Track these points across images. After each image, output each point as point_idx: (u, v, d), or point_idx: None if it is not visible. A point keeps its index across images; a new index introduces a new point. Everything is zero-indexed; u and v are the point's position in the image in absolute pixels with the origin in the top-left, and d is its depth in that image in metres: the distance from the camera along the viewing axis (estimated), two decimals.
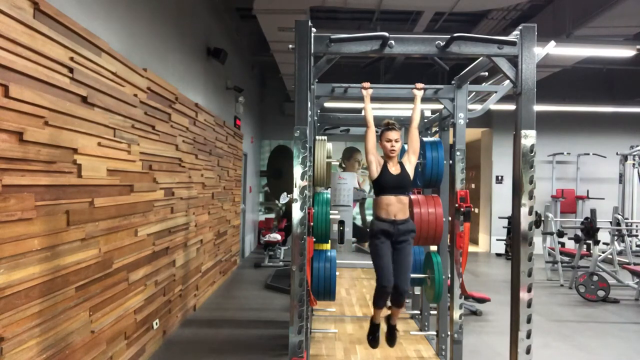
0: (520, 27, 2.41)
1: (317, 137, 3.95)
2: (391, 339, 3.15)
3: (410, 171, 2.98)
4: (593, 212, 6.58)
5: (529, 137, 2.37)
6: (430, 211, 3.43)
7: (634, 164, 9.34)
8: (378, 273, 2.91)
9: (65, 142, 2.60)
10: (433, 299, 3.56)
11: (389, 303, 3.01)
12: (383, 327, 3.14)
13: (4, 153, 2.12)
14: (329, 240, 3.72)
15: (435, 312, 3.90)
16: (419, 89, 3.09)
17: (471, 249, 10.59)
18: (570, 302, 6.05)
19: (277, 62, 7.83)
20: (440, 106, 3.59)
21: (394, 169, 2.96)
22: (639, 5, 5.23)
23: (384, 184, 2.93)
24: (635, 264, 6.55)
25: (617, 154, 9.71)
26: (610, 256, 7.08)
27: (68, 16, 2.61)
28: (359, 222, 10.97)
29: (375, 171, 2.94)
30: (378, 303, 2.98)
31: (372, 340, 3.16)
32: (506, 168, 10.34)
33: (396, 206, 2.91)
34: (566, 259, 7.52)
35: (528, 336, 2.34)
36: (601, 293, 6.00)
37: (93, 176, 2.89)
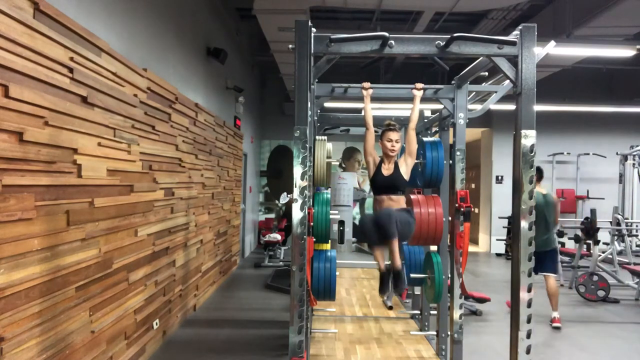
0: (520, 27, 2.40)
1: (317, 137, 3.94)
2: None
3: (405, 172, 3.04)
4: (593, 212, 6.57)
5: (529, 137, 2.37)
6: (430, 211, 3.43)
7: (634, 164, 9.35)
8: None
9: (65, 142, 2.60)
10: (433, 299, 3.56)
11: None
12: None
13: (4, 153, 2.12)
14: (329, 240, 3.73)
15: (435, 312, 3.89)
16: (419, 89, 3.10)
17: (471, 249, 10.59)
18: (570, 302, 6.05)
19: (277, 62, 7.83)
20: (440, 106, 3.59)
21: (387, 170, 3.05)
22: (639, 5, 5.23)
23: (376, 184, 3.09)
24: (635, 264, 6.55)
25: (617, 154, 9.71)
26: (610, 256, 7.07)
27: (68, 16, 2.61)
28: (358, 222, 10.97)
29: (371, 172, 3.10)
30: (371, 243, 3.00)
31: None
32: (506, 168, 10.33)
33: (387, 203, 3.04)
34: (566, 259, 7.51)
35: (528, 336, 2.34)
36: (601, 293, 6.00)
37: (93, 176, 2.89)
